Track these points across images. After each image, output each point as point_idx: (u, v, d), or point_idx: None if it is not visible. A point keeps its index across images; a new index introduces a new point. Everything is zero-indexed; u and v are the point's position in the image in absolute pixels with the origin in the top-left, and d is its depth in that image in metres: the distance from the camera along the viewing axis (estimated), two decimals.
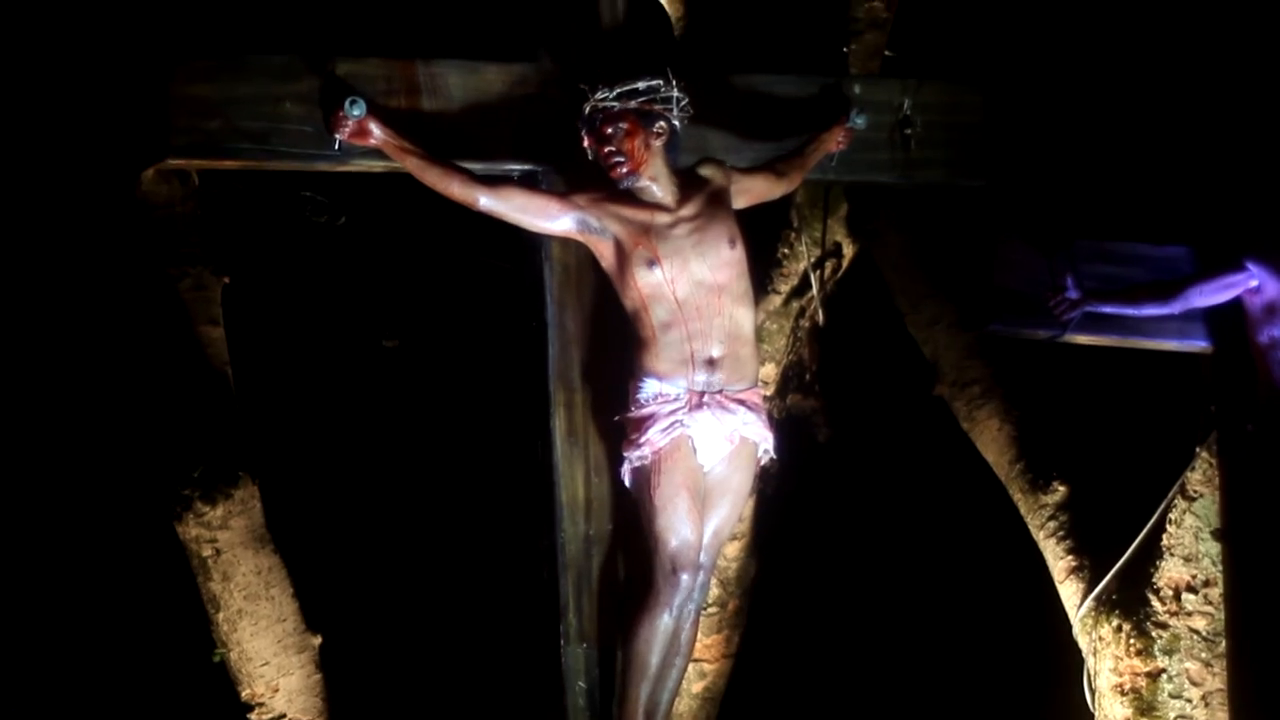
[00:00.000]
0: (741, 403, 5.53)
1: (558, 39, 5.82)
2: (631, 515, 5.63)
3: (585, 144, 5.53)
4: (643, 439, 5.46)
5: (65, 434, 7.44)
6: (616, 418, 5.58)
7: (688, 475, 5.48)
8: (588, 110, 5.50)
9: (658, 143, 5.53)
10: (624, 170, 5.48)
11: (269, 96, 5.44)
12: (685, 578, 5.45)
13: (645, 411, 5.47)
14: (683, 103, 5.56)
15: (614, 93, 5.47)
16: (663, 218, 5.51)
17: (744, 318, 5.57)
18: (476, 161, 5.55)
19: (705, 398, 5.47)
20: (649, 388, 5.48)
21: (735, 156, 5.79)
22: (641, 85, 5.49)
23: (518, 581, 6.81)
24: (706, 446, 5.53)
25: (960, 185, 6.24)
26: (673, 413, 5.45)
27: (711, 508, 5.57)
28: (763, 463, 5.74)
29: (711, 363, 5.47)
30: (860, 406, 7.91)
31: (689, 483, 5.48)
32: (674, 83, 5.53)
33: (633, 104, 5.48)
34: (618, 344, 5.61)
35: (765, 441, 5.64)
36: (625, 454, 5.53)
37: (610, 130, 5.47)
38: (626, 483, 5.58)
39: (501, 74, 5.71)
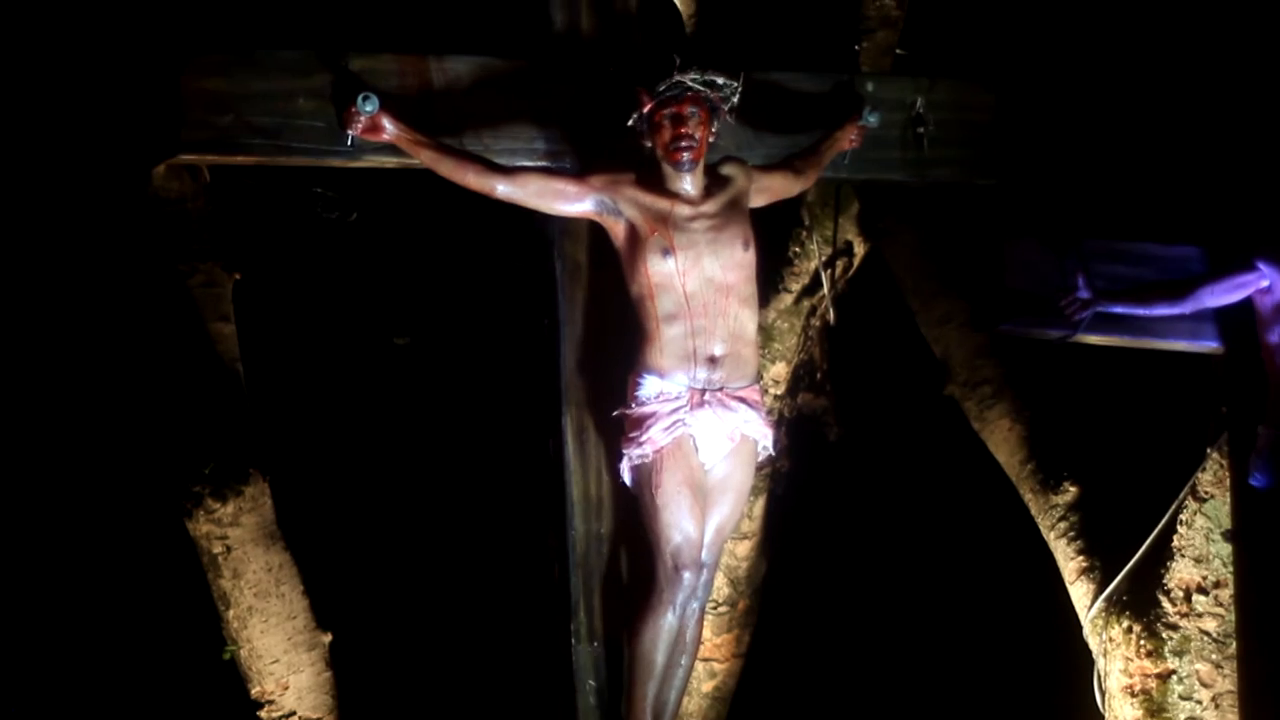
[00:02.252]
0: (742, 400, 5.53)
1: (569, 33, 5.83)
2: (633, 513, 5.63)
3: (649, 113, 5.45)
4: (644, 437, 5.46)
5: (76, 431, 7.44)
6: (615, 413, 5.58)
7: (689, 473, 5.48)
8: (672, 80, 5.41)
9: (711, 139, 5.53)
10: (690, 156, 5.45)
11: (281, 92, 5.45)
12: (688, 576, 5.46)
13: (646, 409, 5.47)
14: (736, 109, 5.56)
15: (704, 77, 5.43)
16: (683, 209, 5.50)
17: (748, 320, 5.56)
18: (489, 155, 5.55)
19: (706, 395, 5.46)
20: (650, 385, 5.48)
21: (748, 153, 5.80)
22: (721, 80, 5.47)
23: (528, 580, 6.80)
24: (708, 444, 5.53)
25: (972, 184, 6.26)
26: (674, 411, 5.45)
27: (713, 505, 5.57)
28: (762, 459, 5.75)
29: (713, 360, 5.47)
30: (871, 405, 7.91)
31: (691, 481, 5.48)
32: (740, 88, 5.53)
33: (713, 94, 5.47)
34: (624, 339, 5.61)
35: (765, 439, 5.65)
36: (625, 451, 5.53)
37: (687, 111, 5.42)
38: (626, 480, 5.58)
39: (513, 68, 5.71)
